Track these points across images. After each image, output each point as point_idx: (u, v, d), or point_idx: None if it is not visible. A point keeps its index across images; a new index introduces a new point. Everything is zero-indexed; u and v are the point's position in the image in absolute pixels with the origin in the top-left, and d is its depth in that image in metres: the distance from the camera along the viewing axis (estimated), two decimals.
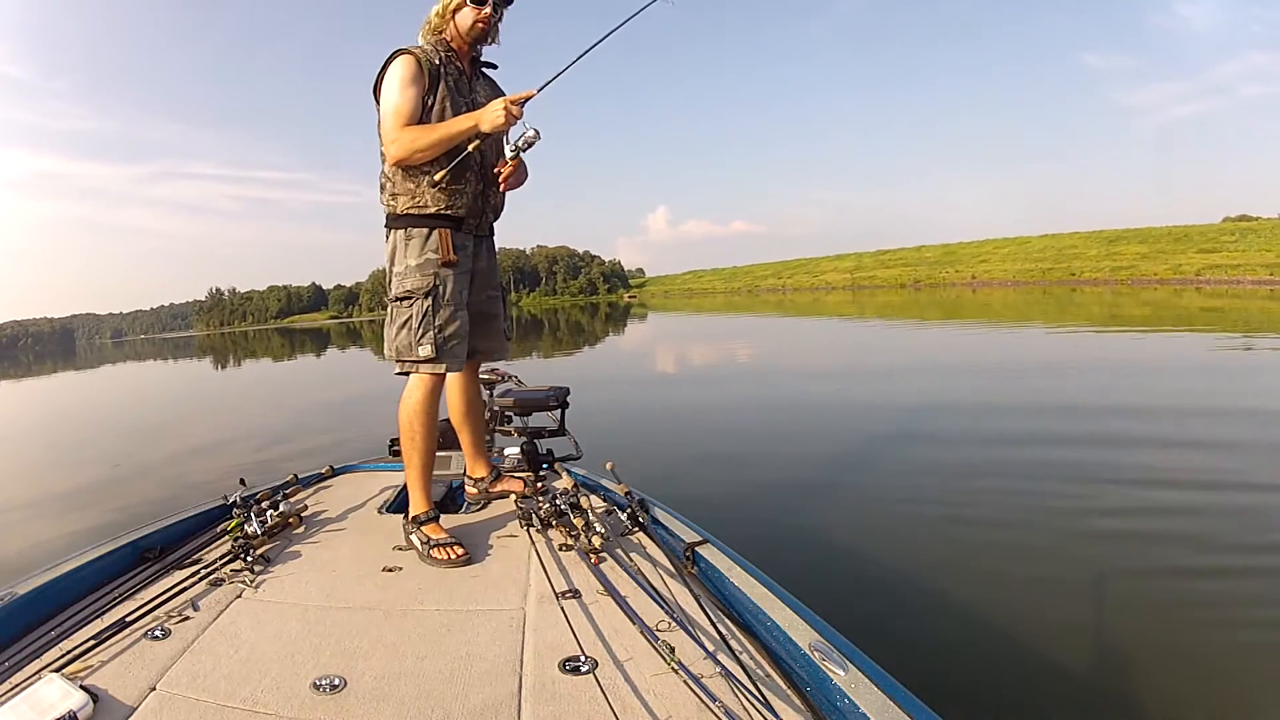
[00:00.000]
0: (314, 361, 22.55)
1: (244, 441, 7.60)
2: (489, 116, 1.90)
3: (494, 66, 2.20)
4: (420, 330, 1.97)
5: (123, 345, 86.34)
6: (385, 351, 2.05)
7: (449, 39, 2.06)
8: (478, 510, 2.24)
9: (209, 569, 1.73)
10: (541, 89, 1.95)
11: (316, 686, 1.24)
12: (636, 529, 1.89)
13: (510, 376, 3.12)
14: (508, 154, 2.05)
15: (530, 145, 1.99)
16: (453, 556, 1.81)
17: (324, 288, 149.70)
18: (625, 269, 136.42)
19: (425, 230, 1.99)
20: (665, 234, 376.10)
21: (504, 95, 2.01)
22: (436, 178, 1.95)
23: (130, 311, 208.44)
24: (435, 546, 1.85)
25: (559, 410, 2.86)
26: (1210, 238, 45.08)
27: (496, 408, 2.92)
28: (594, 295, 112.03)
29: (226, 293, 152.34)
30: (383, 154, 2.01)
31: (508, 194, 2.18)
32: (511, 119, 1.90)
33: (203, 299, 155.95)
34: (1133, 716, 2.07)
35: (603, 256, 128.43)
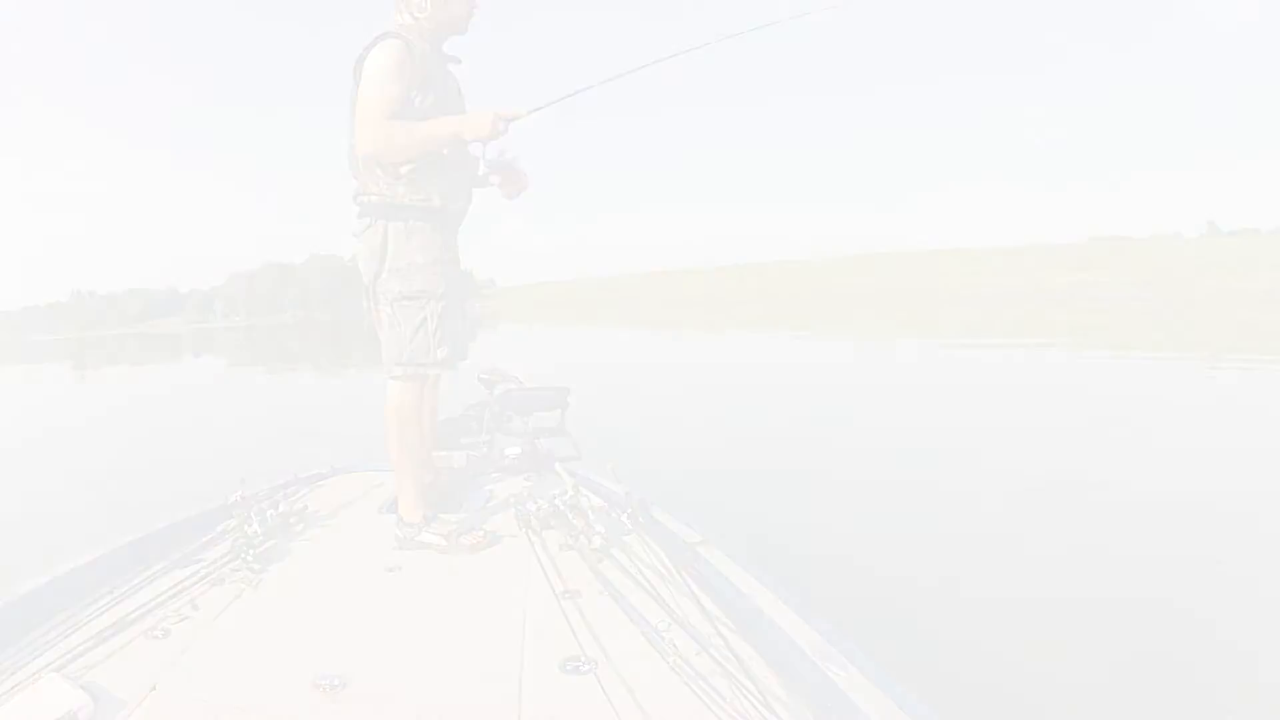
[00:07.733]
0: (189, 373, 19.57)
1: None
2: (473, 127, 1.83)
3: (458, 61, 2.05)
4: (437, 332, 1.92)
5: None
6: (388, 354, 1.95)
7: (432, 28, 1.91)
8: (479, 510, 2.23)
9: (209, 569, 1.73)
10: (532, 112, 1.88)
11: (316, 686, 1.24)
12: (636, 529, 1.89)
13: (510, 376, 3.12)
14: (480, 168, 2.03)
15: (507, 166, 1.99)
16: (481, 539, 1.89)
17: (180, 291, 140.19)
18: (475, 280, 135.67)
19: (429, 225, 1.91)
20: (517, 245, 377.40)
21: (461, 93, 1.98)
22: (402, 171, 1.85)
23: None
24: (464, 534, 1.90)
25: (559, 410, 2.86)
26: (1077, 253, 44.44)
27: (497, 408, 2.92)
28: None
29: (88, 295, 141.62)
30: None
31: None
32: (496, 135, 1.83)
33: (65, 300, 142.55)
34: (1133, 715, 2.07)
35: None
